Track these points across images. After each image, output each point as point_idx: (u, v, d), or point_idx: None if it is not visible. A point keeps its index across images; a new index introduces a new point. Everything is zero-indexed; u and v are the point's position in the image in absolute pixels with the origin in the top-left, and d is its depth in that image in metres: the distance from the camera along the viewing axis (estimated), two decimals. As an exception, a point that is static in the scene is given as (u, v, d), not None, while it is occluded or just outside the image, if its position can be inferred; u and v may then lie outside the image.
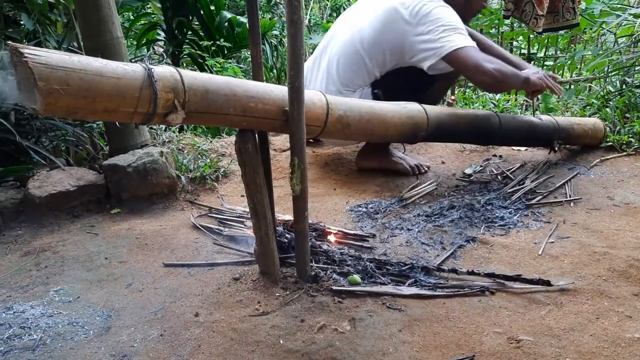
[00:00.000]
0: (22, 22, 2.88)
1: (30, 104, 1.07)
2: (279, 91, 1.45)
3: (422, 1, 2.23)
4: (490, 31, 4.83)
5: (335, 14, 6.52)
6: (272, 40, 4.90)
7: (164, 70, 1.24)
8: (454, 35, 2.17)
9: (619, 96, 2.92)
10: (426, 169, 2.55)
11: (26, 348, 1.34)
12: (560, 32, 3.75)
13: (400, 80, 2.34)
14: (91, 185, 2.22)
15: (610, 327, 1.33)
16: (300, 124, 1.42)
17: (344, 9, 6.43)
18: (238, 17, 4.52)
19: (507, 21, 4.25)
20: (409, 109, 1.92)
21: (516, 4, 3.25)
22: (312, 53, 2.77)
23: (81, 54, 2.45)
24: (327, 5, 6.56)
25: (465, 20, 2.38)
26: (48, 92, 1.04)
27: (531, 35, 4.40)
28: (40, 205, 2.10)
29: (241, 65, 4.87)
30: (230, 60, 4.57)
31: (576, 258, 1.66)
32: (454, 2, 2.30)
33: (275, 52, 4.90)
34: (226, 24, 4.51)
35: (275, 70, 4.89)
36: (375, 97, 2.34)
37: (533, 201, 2.10)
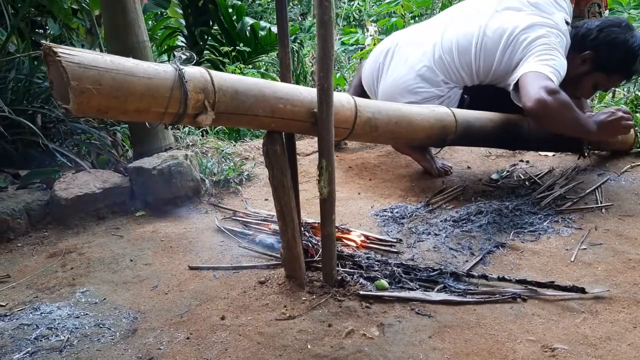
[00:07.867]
0: (47, 27, 2.92)
1: (63, 103, 1.07)
2: (308, 93, 1.43)
3: (544, 35, 2.11)
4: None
5: (346, 22, 6.54)
6: (293, 46, 4.93)
7: (194, 71, 1.23)
8: (533, 63, 2.01)
9: (649, 101, 2.86)
10: (449, 169, 2.54)
11: (53, 349, 1.34)
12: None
13: (493, 95, 2.26)
14: (116, 187, 2.23)
15: (649, 336, 1.28)
16: (329, 126, 1.40)
17: (354, 15, 6.46)
18: (260, 22, 4.55)
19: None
20: (437, 112, 1.89)
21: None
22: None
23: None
24: (340, 14, 6.58)
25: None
26: (81, 91, 1.03)
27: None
28: (66, 207, 2.11)
29: (261, 71, 4.92)
30: (249, 66, 4.60)
31: (610, 265, 1.62)
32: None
33: (297, 56, 4.93)
34: (249, 28, 4.54)
35: (295, 74, 4.93)
36: (462, 100, 2.31)
37: (563, 207, 2.05)
